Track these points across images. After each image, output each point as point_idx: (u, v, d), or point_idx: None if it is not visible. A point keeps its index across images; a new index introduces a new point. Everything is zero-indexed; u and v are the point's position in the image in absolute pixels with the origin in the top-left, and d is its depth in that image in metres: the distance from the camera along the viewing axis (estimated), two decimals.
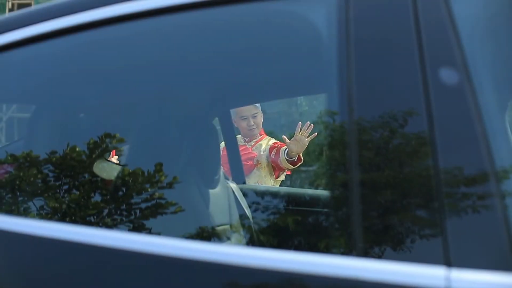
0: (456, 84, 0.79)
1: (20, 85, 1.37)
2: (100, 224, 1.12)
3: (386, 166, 0.83)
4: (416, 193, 0.80)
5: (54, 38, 1.13)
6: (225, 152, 2.71)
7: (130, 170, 1.19)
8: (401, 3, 0.85)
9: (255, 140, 3.09)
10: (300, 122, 2.86)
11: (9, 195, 1.20)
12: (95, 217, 1.13)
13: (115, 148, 1.23)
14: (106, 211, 1.13)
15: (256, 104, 3.04)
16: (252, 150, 3.05)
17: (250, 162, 2.97)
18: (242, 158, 2.66)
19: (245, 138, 3.05)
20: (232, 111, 2.88)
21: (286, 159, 2.88)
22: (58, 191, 1.18)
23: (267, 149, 3.02)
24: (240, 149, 2.79)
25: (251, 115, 3.04)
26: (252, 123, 3.04)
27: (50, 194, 1.17)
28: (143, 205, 1.12)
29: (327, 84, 0.95)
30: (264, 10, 1.06)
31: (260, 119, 3.09)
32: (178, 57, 1.33)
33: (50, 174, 1.18)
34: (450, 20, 0.82)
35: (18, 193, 1.19)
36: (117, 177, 1.19)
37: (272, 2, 1.03)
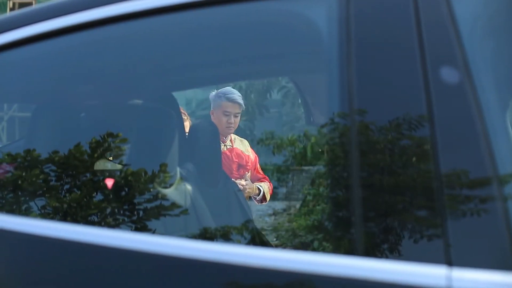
0: (457, 83, 0.79)
1: (21, 84, 1.37)
2: (101, 223, 1.12)
3: (387, 167, 0.83)
4: (418, 193, 0.80)
5: (55, 37, 1.13)
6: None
7: (132, 170, 1.19)
8: (402, 1, 0.85)
9: (229, 139, 3.16)
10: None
11: (10, 195, 1.20)
12: (96, 216, 1.13)
13: (117, 147, 1.23)
14: (107, 210, 1.13)
15: (242, 104, 3.10)
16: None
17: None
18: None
19: (222, 137, 3.10)
20: (214, 101, 3.00)
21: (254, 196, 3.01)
22: (58, 190, 1.18)
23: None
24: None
25: (234, 113, 3.10)
26: (232, 121, 3.10)
27: (50, 193, 1.17)
28: (144, 205, 1.12)
29: (327, 83, 0.95)
30: (265, 9, 1.06)
31: (238, 120, 3.15)
32: (179, 55, 1.33)
33: (51, 173, 1.18)
34: (451, 18, 0.82)
35: (18, 193, 1.19)
36: (119, 176, 1.19)
37: (272, 2, 1.03)
